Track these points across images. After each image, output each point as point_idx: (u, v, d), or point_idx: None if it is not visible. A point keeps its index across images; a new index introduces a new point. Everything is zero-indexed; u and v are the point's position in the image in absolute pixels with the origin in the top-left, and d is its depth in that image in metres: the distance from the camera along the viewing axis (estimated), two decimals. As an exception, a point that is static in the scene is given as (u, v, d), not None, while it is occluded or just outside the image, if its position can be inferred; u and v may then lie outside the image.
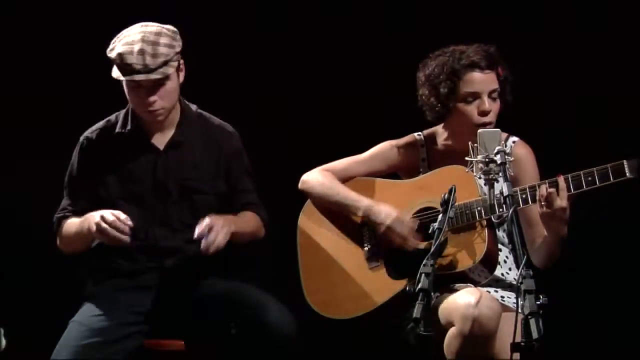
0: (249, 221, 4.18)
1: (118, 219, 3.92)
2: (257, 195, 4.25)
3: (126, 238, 3.92)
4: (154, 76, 3.97)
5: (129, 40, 3.99)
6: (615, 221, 4.74)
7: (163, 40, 4.00)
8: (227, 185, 4.19)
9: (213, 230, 3.94)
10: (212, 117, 4.24)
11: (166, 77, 4.00)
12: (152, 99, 4.01)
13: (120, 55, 3.96)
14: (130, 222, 3.92)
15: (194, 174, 4.14)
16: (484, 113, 3.99)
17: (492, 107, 4.00)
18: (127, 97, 4.07)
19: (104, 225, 3.91)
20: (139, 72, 3.96)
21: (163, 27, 4.04)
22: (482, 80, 3.99)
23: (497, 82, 4.01)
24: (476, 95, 3.99)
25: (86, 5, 5.12)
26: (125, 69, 3.96)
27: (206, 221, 3.95)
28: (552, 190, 3.80)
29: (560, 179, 3.82)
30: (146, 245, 4.10)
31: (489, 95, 3.99)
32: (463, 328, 3.72)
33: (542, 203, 3.82)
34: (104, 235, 3.93)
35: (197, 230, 3.94)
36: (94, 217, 3.96)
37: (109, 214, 3.93)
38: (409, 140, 4.22)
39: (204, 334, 4.06)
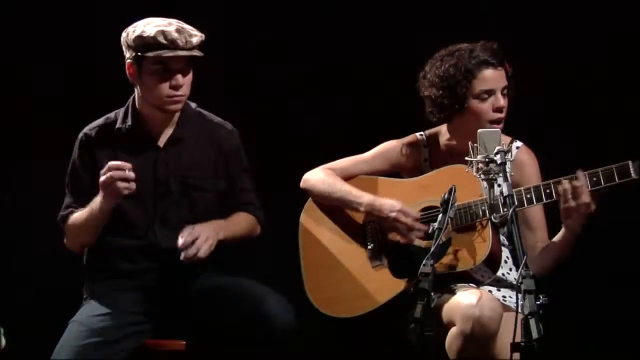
0: (240, 223, 4.18)
1: (118, 164, 3.91)
2: (255, 194, 4.25)
3: (132, 185, 3.90)
4: (195, 53, 3.99)
5: (158, 23, 4.00)
6: (615, 221, 4.74)
7: (188, 25, 4.02)
8: (225, 183, 4.19)
9: (196, 243, 3.94)
10: (211, 115, 4.24)
11: (193, 62, 4.02)
12: (181, 81, 4.01)
13: (162, 32, 3.95)
14: (129, 166, 3.92)
15: (194, 171, 4.14)
16: (499, 109, 4.00)
17: (505, 103, 4.02)
18: (143, 84, 4.03)
19: (108, 174, 3.89)
20: (182, 48, 3.97)
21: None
22: (496, 77, 4.01)
23: (507, 78, 4.03)
24: (491, 92, 4.01)
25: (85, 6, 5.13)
26: (166, 46, 3.95)
27: (190, 232, 3.96)
28: (578, 184, 3.82)
29: (580, 174, 3.84)
30: (146, 245, 4.10)
31: (501, 91, 4.01)
32: (464, 328, 3.73)
33: (568, 197, 3.83)
34: (112, 187, 3.90)
35: (181, 240, 3.95)
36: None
37: (110, 163, 3.92)
38: (411, 140, 4.22)
39: (204, 329, 4.06)
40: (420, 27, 4.98)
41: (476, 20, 4.92)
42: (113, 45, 4.11)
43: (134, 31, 4.01)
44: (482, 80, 4.01)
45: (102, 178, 3.92)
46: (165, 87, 4.01)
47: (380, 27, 5.09)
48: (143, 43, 3.98)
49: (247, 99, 5.09)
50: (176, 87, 4.01)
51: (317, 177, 4.20)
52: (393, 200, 4.04)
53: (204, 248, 3.95)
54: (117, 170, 3.91)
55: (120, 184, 3.90)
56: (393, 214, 4.01)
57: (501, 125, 3.99)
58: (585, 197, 3.83)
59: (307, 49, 5.10)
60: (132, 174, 3.91)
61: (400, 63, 4.65)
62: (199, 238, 3.95)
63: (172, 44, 3.95)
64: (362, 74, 5.07)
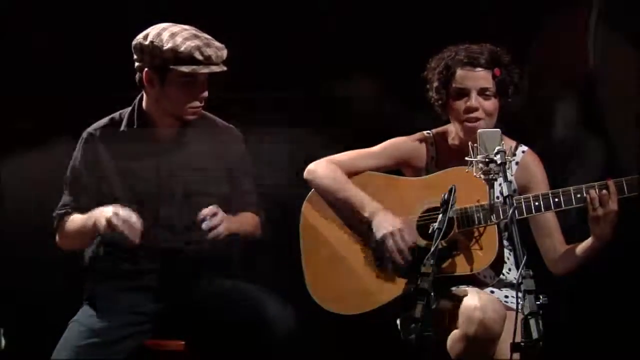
0: (247, 221, 4.19)
1: (130, 218, 3.91)
2: (257, 195, 4.25)
3: (136, 239, 3.91)
4: (224, 68, 4.03)
5: (188, 34, 4.00)
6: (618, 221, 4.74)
7: (207, 35, 4.04)
8: (228, 186, 4.19)
9: (217, 216, 3.95)
10: (217, 119, 4.25)
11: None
12: (205, 94, 4.05)
13: (198, 47, 3.96)
14: (140, 225, 3.92)
15: (198, 175, 4.14)
16: (469, 110, 4.00)
17: (483, 105, 4.01)
18: (163, 93, 4.03)
19: (115, 221, 3.90)
20: (214, 63, 4.00)
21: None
22: (472, 77, 4.02)
23: (491, 81, 4.02)
24: (465, 92, 4.02)
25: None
26: (201, 62, 3.97)
27: (212, 208, 3.97)
28: (605, 192, 3.83)
29: (611, 183, 3.85)
30: (147, 246, 4.10)
31: (480, 93, 4.01)
32: (468, 331, 3.73)
33: (595, 206, 3.84)
34: (115, 232, 3.92)
35: (203, 212, 3.95)
36: (103, 212, 3.95)
37: (122, 211, 3.92)
38: (418, 138, 4.22)
39: (204, 332, 4.06)
40: (421, 27, 4.98)
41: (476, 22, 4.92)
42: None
43: (160, 41, 3.99)
44: (457, 79, 4.03)
45: (108, 218, 3.90)
46: (189, 99, 4.04)
47: (381, 26, 5.09)
48: (176, 57, 3.98)
49: (248, 98, 5.08)
50: (201, 100, 4.04)
51: (323, 171, 4.17)
52: (391, 220, 4.01)
53: (224, 224, 3.96)
54: (128, 225, 3.90)
55: (124, 232, 3.91)
56: (381, 235, 3.99)
57: (476, 125, 3.98)
58: (613, 205, 3.84)
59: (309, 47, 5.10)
60: (139, 228, 3.91)
61: (400, 63, 4.64)
62: (220, 213, 3.97)
63: (207, 60, 3.98)
64: (363, 72, 5.07)
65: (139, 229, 3.92)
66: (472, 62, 4.01)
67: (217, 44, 4.03)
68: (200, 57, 3.97)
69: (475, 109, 4.00)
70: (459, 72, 4.02)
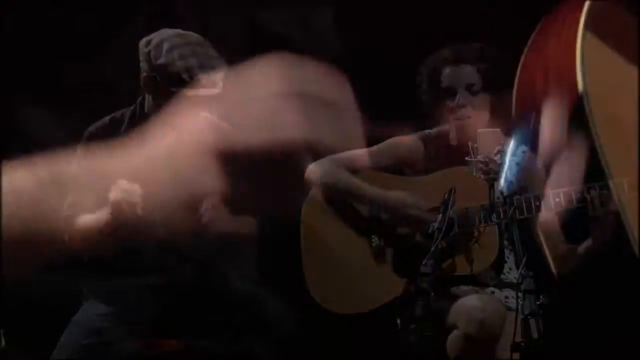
0: (246, 225, 4.18)
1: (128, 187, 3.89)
2: (255, 197, 4.25)
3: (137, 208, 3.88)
4: (216, 91, 3.95)
5: (187, 51, 3.96)
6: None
7: (211, 51, 3.99)
8: (227, 186, 4.19)
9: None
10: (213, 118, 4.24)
11: None
12: None
13: (189, 69, 3.91)
14: (138, 190, 3.89)
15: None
16: (457, 107, 4.01)
17: (472, 101, 4.01)
18: (158, 97, 4.04)
19: (117, 197, 3.87)
20: (206, 87, 3.92)
21: (196, 35, 4.05)
22: (456, 75, 4.03)
23: (477, 77, 4.02)
24: (452, 90, 4.02)
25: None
26: (189, 83, 3.93)
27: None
28: (606, 192, 3.82)
29: (612, 183, 3.84)
30: (146, 245, 4.10)
31: (466, 89, 4.01)
32: (468, 331, 3.73)
33: (595, 206, 3.83)
34: (121, 207, 3.87)
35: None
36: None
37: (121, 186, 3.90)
38: (419, 137, 4.22)
39: (204, 333, 4.06)
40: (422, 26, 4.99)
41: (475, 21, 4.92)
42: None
43: (157, 52, 3.96)
44: (443, 78, 4.05)
45: (112, 200, 3.84)
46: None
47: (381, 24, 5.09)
48: (166, 73, 3.95)
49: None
50: None
51: (322, 169, 4.18)
52: (399, 192, 4.02)
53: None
54: (128, 194, 3.87)
55: (127, 206, 3.87)
56: (400, 204, 4.00)
57: (466, 122, 4.00)
58: (614, 205, 3.81)
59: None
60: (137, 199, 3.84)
61: (402, 62, 4.65)
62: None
63: (196, 83, 3.92)
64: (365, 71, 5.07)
65: (139, 193, 3.88)
66: (455, 59, 4.02)
67: (215, 63, 3.99)
68: (188, 80, 3.94)
69: (463, 106, 4.01)
70: (445, 71, 4.04)
